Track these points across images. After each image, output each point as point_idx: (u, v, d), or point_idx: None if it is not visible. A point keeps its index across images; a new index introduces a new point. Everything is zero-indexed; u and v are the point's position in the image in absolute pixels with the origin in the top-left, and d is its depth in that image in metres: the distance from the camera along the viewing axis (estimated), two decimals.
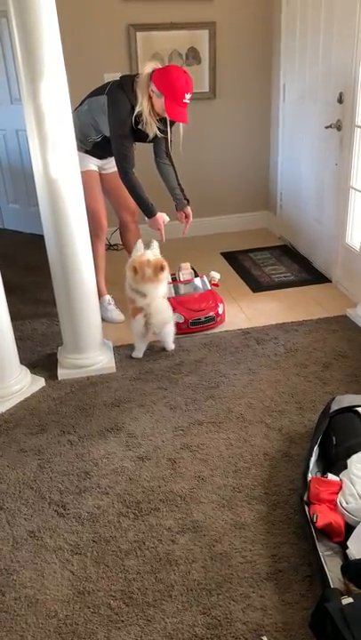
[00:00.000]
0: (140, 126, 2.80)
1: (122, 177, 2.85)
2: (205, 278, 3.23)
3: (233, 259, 4.02)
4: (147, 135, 2.86)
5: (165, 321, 2.78)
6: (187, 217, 3.13)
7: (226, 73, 4.06)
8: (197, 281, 3.20)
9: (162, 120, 2.82)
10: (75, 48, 3.69)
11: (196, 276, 3.26)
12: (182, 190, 3.11)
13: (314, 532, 1.69)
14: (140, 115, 2.74)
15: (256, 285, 3.60)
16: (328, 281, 3.61)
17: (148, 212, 2.92)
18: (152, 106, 2.75)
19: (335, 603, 1.43)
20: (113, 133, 2.80)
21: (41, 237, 2.58)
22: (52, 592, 1.68)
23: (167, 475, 2.09)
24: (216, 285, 3.25)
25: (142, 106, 2.72)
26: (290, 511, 1.91)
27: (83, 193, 2.97)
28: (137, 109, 2.72)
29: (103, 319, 3.09)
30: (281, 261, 3.95)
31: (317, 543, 1.67)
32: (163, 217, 2.97)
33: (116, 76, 3.82)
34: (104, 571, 1.73)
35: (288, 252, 4.09)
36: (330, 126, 3.28)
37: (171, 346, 2.90)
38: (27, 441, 2.30)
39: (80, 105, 2.94)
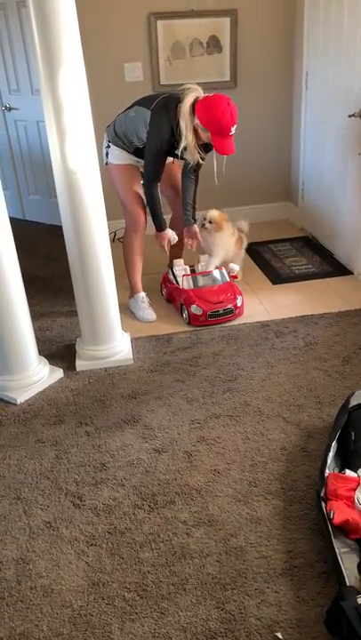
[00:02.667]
0: (181, 154, 2.81)
1: (145, 186, 2.91)
2: (224, 270, 3.20)
3: (253, 250, 3.97)
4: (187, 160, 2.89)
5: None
6: (194, 235, 3.15)
7: (247, 61, 4.00)
8: (216, 273, 3.18)
9: (203, 145, 2.81)
10: (94, 38, 3.68)
11: (215, 267, 3.24)
12: (194, 209, 3.12)
13: (330, 529, 1.67)
14: (184, 148, 2.74)
15: (276, 277, 3.56)
16: (350, 273, 3.55)
17: (160, 226, 2.97)
18: (196, 136, 2.74)
19: (351, 601, 1.42)
20: (148, 151, 2.81)
21: (61, 228, 2.59)
22: (67, 582, 1.69)
23: (183, 467, 2.09)
24: (235, 277, 3.22)
25: (187, 140, 2.70)
26: (306, 507, 1.89)
27: (118, 187, 3.02)
28: (182, 144, 2.72)
29: (136, 318, 3.14)
30: (302, 253, 3.90)
31: (334, 540, 1.64)
32: (170, 235, 3.03)
33: (137, 66, 3.84)
34: (119, 562, 1.74)
35: (309, 244, 4.04)
36: (353, 115, 3.21)
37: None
38: (44, 431, 2.32)
39: (129, 109, 2.93)
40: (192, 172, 3.03)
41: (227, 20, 3.84)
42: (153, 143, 2.78)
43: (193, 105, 2.67)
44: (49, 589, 1.67)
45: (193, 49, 3.86)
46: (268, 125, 4.24)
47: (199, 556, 1.74)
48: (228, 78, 4.00)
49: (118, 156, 2.98)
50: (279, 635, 1.50)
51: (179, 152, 2.79)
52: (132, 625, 1.55)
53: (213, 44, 3.89)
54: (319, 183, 3.91)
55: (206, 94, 2.72)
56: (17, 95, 4.35)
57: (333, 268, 3.64)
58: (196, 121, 2.67)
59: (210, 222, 3.20)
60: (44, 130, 4.24)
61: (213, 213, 3.22)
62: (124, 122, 2.91)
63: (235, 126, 2.68)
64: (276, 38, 3.97)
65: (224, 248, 3.28)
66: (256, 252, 3.95)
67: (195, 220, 3.13)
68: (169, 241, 3.05)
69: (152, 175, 2.86)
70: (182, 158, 2.91)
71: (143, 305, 3.17)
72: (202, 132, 2.71)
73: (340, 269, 3.61)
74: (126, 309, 3.20)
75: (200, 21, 3.80)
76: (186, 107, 2.66)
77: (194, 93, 2.70)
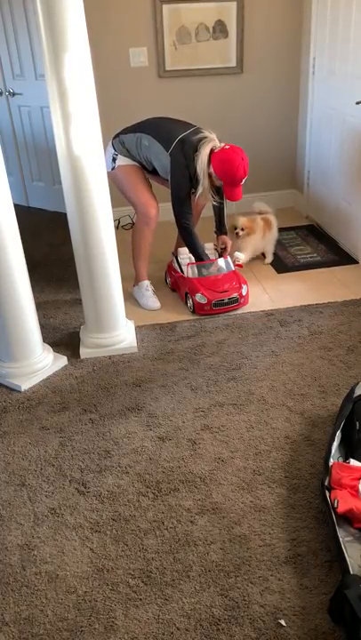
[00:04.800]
0: (195, 196, 2.95)
1: (180, 227, 3.01)
2: (229, 259, 3.19)
3: None
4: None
5: None
6: (225, 242, 3.27)
7: (254, 46, 3.95)
8: (221, 261, 3.16)
9: (214, 187, 2.96)
10: (99, 22, 3.64)
11: (220, 256, 3.22)
12: (223, 223, 3.27)
13: (334, 518, 1.68)
14: (199, 191, 2.90)
15: (281, 266, 3.55)
16: (355, 262, 3.53)
17: (200, 258, 3.10)
18: (210, 181, 2.89)
19: (355, 589, 1.42)
20: (175, 195, 2.94)
21: (64, 215, 2.57)
22: (71, 568, 1.70)
23: (187, 455, 2.09)
24: (240, 266, 3.21)
25: (203, 186, 2.87)
26: (310, 495, 1.89)
27: (125, 186, 3.06)
28: (199, 190, 2.88)
29: (140, 306, 3.15)
30: (307, 242, 3.88)
31: (338, 529, 1.65)
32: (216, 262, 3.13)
33: (142, 51, 3.80)
34: (123, 549, 1.75)
35: (315, 232, 4.01)
36: None
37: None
38: (49, 419, 2.32)
39: (139, 132, 2.95)
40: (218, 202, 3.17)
41: (233, 5, 3.78)
42: (177, 188, 2.91)
43: (209, 155, 2.82)
44: (54, 575, 1.68)
45: (199, 34, 3.82)
46: (275, 112, 4.19)
47: (203, 544, 1.75)
48: (234, 64, 3.96)
49: (124, 160, 3.04)
50: (282, 622, 1.51)
51: (196, 196, 2.95)
52: (136, 611, 1.57)
53: (220, 29, 3.84)
54: (325, 171, 3.88)
55: (222, 146, 2.83)
56: (21, 80, 4.30)
57: (339, 256, 3.62)
58: (211, 170, 2.83)
59: (242, 229, 3.36)
60: (47, 115, 4.22)
61: (243, 221, 3.38)
62: (134, 145, 2.97)
63: (245, 178, 2.84)
64: (283, 23, 3.92)
65: (254, 246, 3.46)
66: None
67: (224, 233, 3.29)
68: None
69: (184, 218, 2.97)
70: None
71: (147, 293, 3.17)
72: (215, 179, 2.88)
73: (345, 258, 3.59)
74: (130, 297, 3.19)
75: (206, 6, 3.75)
76: (204, 158, 2.82)
77: (210, 144, 2.85)
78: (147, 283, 3.20)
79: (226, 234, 3.29)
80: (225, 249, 3.26)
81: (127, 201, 3.11)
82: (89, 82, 2.26)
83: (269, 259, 3.60)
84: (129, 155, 3.01)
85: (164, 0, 3.69)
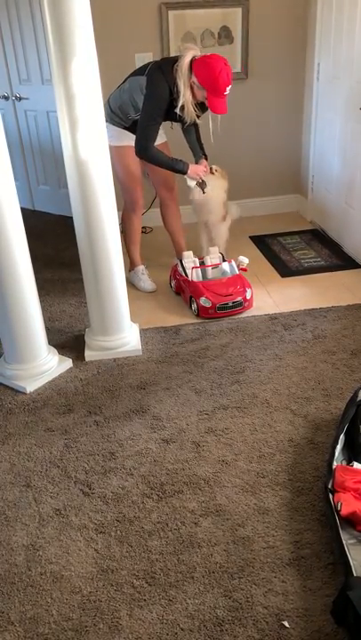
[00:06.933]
0: (177, 112, 2.84)
1: (140, 152, 2.89)
2: (233, 262, 3.20)
3: (262, 243, 3.97)
4: (184, 119, 2.91)
5: None
6: (203, 166, 3.16)
7: (259, 52, 3.97)
8: (225, 265, 3.18)
9: (199, 104, 2.87)
10: (106, 28, 3.67)
11: (224, 260, 3.24)
12: (202, 147, 3.20)
13: (338, 520, 1.69)
14: (182, 106, 2.79)
15: (285, 270, 3.56)
16: (359, 266, 3.54)
17: (181, 168, 2.97)
18: (193, 95, 2.80)
19: (358, 591, 1.43)
20: (144, 114, 2.83)
21: (70, 219, 2.60)
22: (76, 569, 1.71)
23: (191, 458, 2.10)
24: (244, 270, 3.22)
25: (185, 97, 2.77)
26: (314, 498, 1.90)
27: (118, 169, 3.07)
28: (180, 101, 2.78)
29: (137, 288, 3.34)
30: (311, 246, 3.90)
31: (341, 531, 1.66)
32: (197, 166, 3.03)
33: (148, 57, 3.83)
34: (127, 550, 1.76)
35: (318, 237, 4.03)
36: None
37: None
38: (54, 420, 2.34)
39: (123, 83, 2.99)
40: (191, 125, 3.10)
41: (238, 11, 3.81)
42: (150, 105, 2.80)
43: (190, 63, 2.73)
44: (59, 575, 1.70)
45: (204, 39, 3.84)
46: (279, 117, 4.22)
47: (207, 545, 1.76)
48: (238, 69, 3.98)
49: (117, 137, 3.01)
50: (286, 623, 1.52)
51: (178, 109, 2.81)
52: (140, 611, 1.58)
53: (225, 35, 3.87)
54: (329, 176, 3.89)
55: (204, 54, 2.77)
56: (27, 85, 4.34)
57: (342, 261, 3.64)
58: (194, 78, 2.74)
59: (216, 170, 3.25)
60: (53, 120, 4.26)
61: (217, 167, 3.28)
62: (118, 97, 2.95)
63: (229, 87, 2.74)
64: (288, 29, 3.94)
65: (215, 192, 3.27)
66: (265, 244, 3.95)
67: (205, 156, 3.22)
68: (203, 170, 3.04)
69: (147, 140, 2.83)
70: (179, 119, 2.92)
71: (143, 277, 3.36)
72: (197, 89, 2.77)
73: (349, 263, 3.60)
74: (135, 300, 3.21)
75: (211, 11, 3.78)
76: (184, 64, 2.72)
77: (192, 52, 2.76)
78: (142, 267, 3.39)
79: (206, 157, 3.20)
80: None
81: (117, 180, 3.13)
82: (95, 87, 2.29)
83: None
84: (116, 117, 2.95)
85: (170, 6, 3.72)
